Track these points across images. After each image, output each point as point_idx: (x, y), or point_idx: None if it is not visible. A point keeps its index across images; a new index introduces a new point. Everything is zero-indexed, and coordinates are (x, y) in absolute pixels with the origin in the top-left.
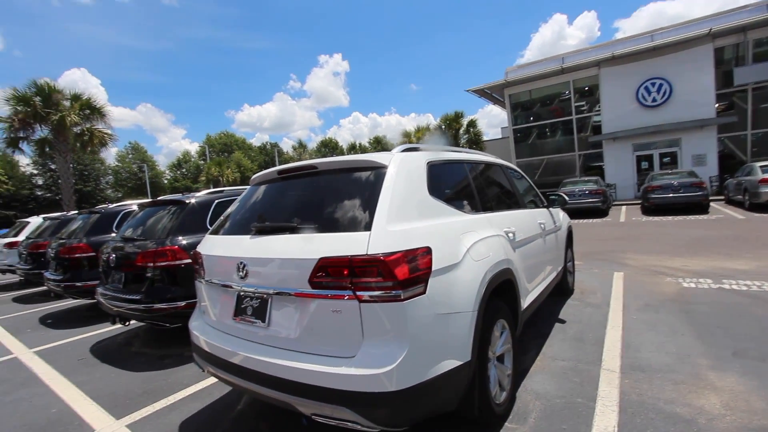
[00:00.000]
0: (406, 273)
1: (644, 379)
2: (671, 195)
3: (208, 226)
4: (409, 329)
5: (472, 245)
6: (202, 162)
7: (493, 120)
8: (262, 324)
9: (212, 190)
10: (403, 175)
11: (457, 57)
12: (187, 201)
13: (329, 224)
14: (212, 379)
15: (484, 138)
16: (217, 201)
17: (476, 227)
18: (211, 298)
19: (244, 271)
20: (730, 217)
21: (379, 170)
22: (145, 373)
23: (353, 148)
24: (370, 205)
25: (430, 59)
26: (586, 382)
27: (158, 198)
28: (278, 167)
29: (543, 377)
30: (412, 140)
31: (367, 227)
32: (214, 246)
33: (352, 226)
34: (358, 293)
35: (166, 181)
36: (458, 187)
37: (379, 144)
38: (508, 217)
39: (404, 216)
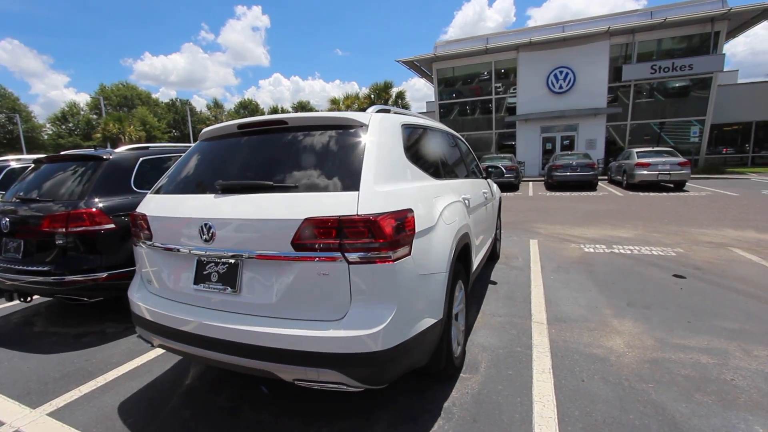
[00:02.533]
0: (396, 234)
1: (566, 328)
2: (570, 173)
3: (134, 187)
4: (397, 290)
5: (443, 209)
6: (95, 116)
7: (415, 94)
8: (230, 291)
9: (135, 146)
10: (384, 135)
11: (384, 26)
12: (105, 157)
13: (308, 184)
14: (150, 356)
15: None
16: (142, 159)
17: (443, 192)
18: (160, 264)
19: (210, 234)
20: (612, 194)
21: (358, 129)
22: (60, 354)
23: (275, 111)
24: (353, 164)
25: (357, 25)
26: (521, 334)
27: (64, 152)
28: (238, 121)
29: (486, 332)
30: (341, 107)
31: (354, 187)
32: (164, 206)
33: (335, 186)
34: (347, 255)
35: (46, 137)
36: (426, 152)
37: (304, 109)
38: (463, 184)
39: (388, 177)
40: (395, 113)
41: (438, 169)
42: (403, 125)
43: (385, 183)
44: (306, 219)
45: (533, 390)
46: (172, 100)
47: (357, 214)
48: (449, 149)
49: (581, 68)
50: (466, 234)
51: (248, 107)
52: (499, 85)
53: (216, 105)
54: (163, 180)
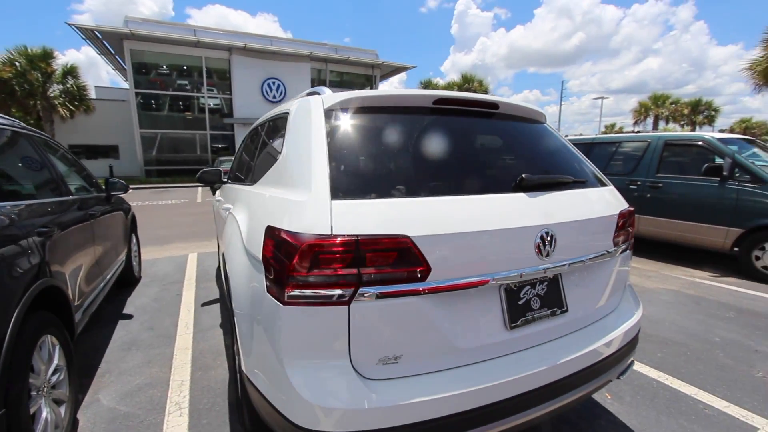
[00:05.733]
0: None
1: None
2: None
3: None
4: None
5: None
6: None
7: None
8: (558, 312)
9: None
10: None
11: None
12: None
13: (580, 178)
14: None
15: (93, 95)
16: None
17: None
18: (440, 317)
19: (552, 245)
20: None
21: (543, 125)
22: None
23: None
24: (577, 160)
25: None
26: None
27: None
28: (433, 92)
29: None
30: None
31: (602, 182)
32: (437, 216)
33: (589, 180)
34: (625, 245)
35: None
36: None
37: None
38: None
39: None
40: None
41: None
42: None
43: None
44: (621, 212)
45: None
46: None
47: (628, 207)
48: None
49: (290, 83)
50: None
51: None
52: (213, 82)
53: None
54: (359, 174)
